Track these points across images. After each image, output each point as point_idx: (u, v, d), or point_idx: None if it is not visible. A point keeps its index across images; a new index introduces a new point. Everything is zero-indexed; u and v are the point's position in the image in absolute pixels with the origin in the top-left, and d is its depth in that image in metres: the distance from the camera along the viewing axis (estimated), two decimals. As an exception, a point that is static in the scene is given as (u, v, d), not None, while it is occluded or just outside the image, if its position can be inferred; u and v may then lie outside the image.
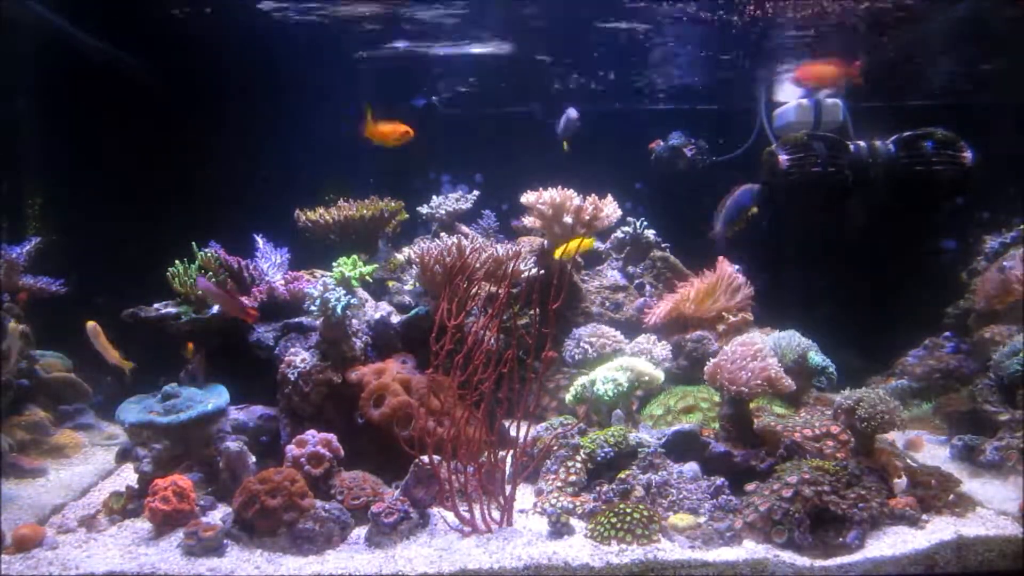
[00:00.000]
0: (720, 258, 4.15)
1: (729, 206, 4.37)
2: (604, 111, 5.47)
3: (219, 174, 4.88)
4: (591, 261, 4.70)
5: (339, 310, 3.22)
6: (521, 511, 2.82)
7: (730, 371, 3.03)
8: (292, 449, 2.91)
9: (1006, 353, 3.52)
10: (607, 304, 4.32)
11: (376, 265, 3.78)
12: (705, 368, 3.15)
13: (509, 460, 2.84)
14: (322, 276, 3.62)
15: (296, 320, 3.56)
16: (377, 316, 3.62)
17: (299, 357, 3.27)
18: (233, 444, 2.99)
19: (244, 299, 3.61)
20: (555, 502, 2.80)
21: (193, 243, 3.69)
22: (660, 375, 3.52)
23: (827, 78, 4.00)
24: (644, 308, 4.21)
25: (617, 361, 3.52)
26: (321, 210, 4.25)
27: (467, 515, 2.65)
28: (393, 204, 4.35)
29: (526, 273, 3.84)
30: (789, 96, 4.72)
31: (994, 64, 4.89)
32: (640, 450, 3.00)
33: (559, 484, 2.94)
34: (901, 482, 2.93)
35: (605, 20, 4.30)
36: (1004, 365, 3.48)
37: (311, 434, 2.95)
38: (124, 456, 3.33)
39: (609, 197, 4.02)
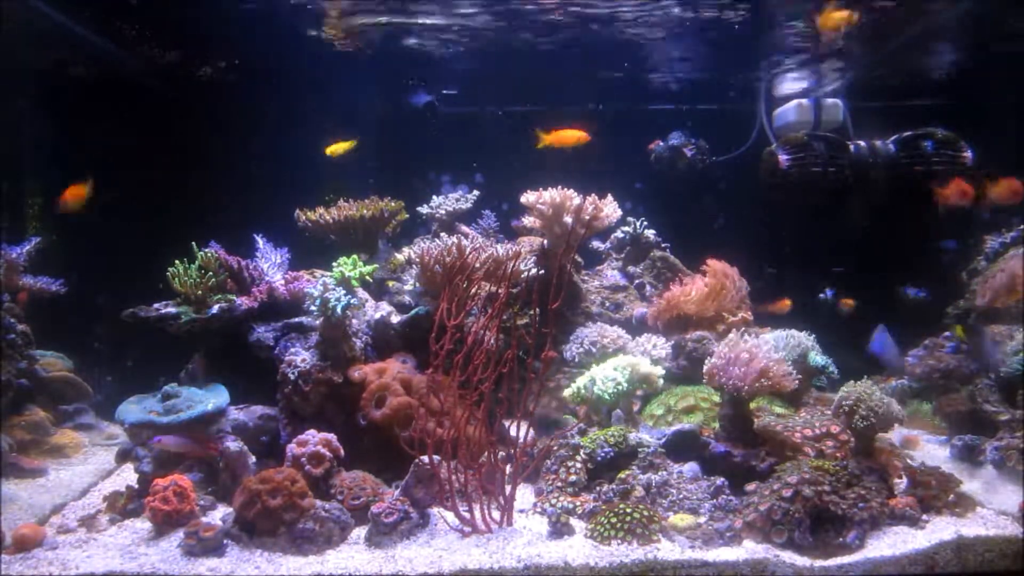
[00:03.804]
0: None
1: None
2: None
3: (219, 174, 4.88)
4: (591, 261, 4.70)
5: (339, 310, 3.22)
6: (521, 511, 2.82)
7: (729, 369, 3.02)
8: (293, 449, 2.91)
9: (1006, 353, 3.52)
10: (607, 304, 4.32)
11: (376, 265, 3.78)
12: (704, 368, 3.14)
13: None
14: (322, 276, 3.62)
15: (296, 320, 3.56)
16: (377, 316, 3.62)
17: (299, 357, 3.27)
18: (233, 444, 2.99)
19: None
20: (555, 502, 2.81)
21: (193, 243, 3.69)
22: (660, 375, 3.51)
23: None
24: (644, 318, 4.20)
25: (617, 360, 3.52)
26: (321, 210, 4.25)
27: (467, 515, 2.65)
28: (393, 204, 4.35)
29: (526, 273, 3.83)
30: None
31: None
32: (640, 450, 3.00)
33: (559, 484, 2.94)
34: (901, 482, 2.93)
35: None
36: (1004, 365, 3.48)
37: (311, 434, 2.96)
38: (124, 456, 3.33)
39: (609, 197, 4.01)
